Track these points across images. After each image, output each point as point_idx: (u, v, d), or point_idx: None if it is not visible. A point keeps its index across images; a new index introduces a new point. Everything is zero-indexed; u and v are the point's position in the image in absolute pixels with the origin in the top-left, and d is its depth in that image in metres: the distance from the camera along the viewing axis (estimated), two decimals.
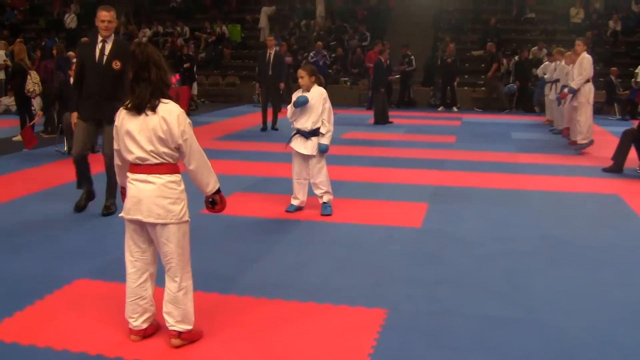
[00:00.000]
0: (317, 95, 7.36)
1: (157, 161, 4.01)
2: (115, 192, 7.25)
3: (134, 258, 4.26)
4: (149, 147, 3.98)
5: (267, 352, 4.17)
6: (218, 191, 4.29)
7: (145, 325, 4.30)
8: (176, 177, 4.08)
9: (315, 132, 7.37)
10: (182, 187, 4.10)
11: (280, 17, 26.72)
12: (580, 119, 12.44)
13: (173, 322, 4.17)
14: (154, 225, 4.06)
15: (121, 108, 4.08)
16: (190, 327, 4.19)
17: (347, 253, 6.23)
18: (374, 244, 6.54)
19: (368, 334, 4.45)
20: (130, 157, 4.05)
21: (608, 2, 25.08)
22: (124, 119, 4.04)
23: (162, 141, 3.97)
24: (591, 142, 12.51)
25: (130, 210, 4.13)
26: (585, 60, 12.19)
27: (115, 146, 4.19)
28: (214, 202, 4.34)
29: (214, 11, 28.06)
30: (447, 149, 12.81)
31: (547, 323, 4.68)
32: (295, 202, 7.64)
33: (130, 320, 4.28)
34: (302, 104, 7.32)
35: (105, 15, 7.23)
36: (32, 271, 5.61)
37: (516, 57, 21.35)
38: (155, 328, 4.39)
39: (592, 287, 5.43)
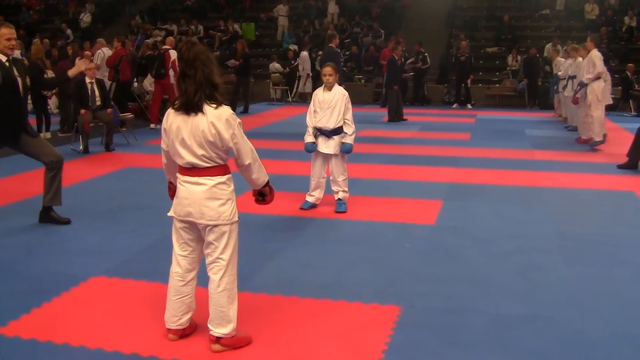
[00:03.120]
0: (340, 94, 7.35)
1: (208, 165, 3.99)
2: (55, 201, 7.10)
3: (183, 256, 4.23)
4: (200, 152, 3.95)
5: (282, 349, 4.19)
6: (267, 183, 4.30)
7: (186, 325, 4.29)
8: (227, 178, 4.06)
9: (336, 131, 7.37)
10: (232, 187, 4.08)
11: (294, 15, 26.75)
12: (593, 116, 12.40)
13: (213, 325, 4.11)
14: (204, 226, 4.05)
15: (169, 109, 4.06)
16: (229, 332, 4.09)
17: (361, 250, 6.24)
18: (389, 241, 6.54)
19: (382, 331, 4.46)
20: (181, 162, 4.04)
21: None
22: (172, 122, 4.00)
23: (213, 145, 3.94)
24: (603, 141, 12.43)
25: (181, 211, 4.11)
26: (595, 57, 12.14)
27: (164, 146, 4.18)
28: (263, 194, 4.35)
29: (228, 10, 28.12)
30: (461, 146, 12.79)
31: (562, 320, 4.68)
32: (310, 199, 7.65)
33: (173, 319, 4.25)
34: (310, 151, 7.54)
35: (12, 34, 6.64)
36: (48, 269, 5.66)
37: (524, 55, 21.27)
38: (193, 328, 4.37)
39: (608, 285, 5.41)
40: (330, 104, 7.32)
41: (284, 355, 4.11)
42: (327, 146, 7.41)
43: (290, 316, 4.70)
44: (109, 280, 5.40)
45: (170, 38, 16.89)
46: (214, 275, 4.09)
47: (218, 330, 4.09)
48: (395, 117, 16.95)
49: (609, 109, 14.24)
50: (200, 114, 3.91)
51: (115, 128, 12.22)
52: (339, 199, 7.60)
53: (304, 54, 19.75)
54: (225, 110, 3.95)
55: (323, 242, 6.54)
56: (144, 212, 7.57)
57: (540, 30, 24.66)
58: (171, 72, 14.55)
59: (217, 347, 4.10)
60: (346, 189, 7.60)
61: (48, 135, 13.41)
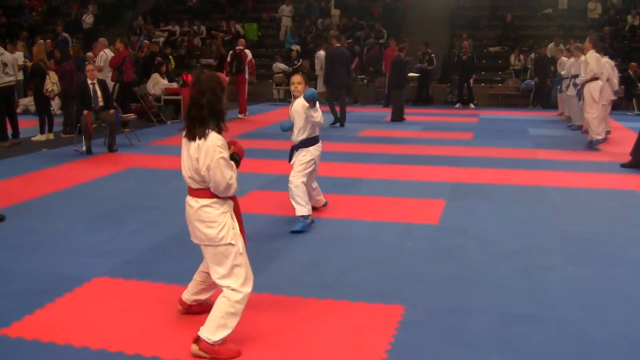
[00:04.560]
0: (299, 105, 6.95)
1: (196, 186, 4.14)
2: None
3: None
4: (188, 173, 4.14)
5: (285, 349, 4.19)
6: (237, 161, 4.28)
7: (193, 303, 4.65)
8: (212, 201, 4.12)
9: (303, 143, 7.01)
10: (220, 210, 4.13)
11: (296, 15, 26.75)
12: (586, 117, 12.40)
13: (204, 324, 4.13)
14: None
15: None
16: (211, 339, 4.07)
17: (364, 250, 6.24)
18: (392, 241, 6.54)
19: (385, 330, 4.46)
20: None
21: None
22: (183, 142, 4.18)
23: (195, 169, 4.08)
24: (605, 139, 12.40)
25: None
26: (590, 58, 12.12)
27: None
28: (237, 159, 4.32)
29: (230, 10, 28.13)
30: (464, 145, 12.78)
31: (565, 320, 4.68)
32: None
33: (186, 292, 4.67)
34: (289, 129, 7.11)
35: None
36: (52, 269, 5.67)
37: (533, 54, 21.22)
38: (202, 308, 4.61)
39: (610, 284, 5.41)
40: (294, 115, 7.02)
41: (287, 355, 4.11)
42: (295, 157, 7.09)
43: (293, 316, 4.71)
44: (112, 281, 5.41)
45: (242, 40, 18.94)
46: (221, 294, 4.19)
47: (204, 330, 4.10)
48: (398, 117, 16.92)
49: (613, 107, 14.18)
50: (197, 139, 4.06)
51: (118, 129, 12.22)
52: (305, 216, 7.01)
53: (321, 53, 19.82)
54: (213, 140, 4.03)
55: (326, 242, 6.54)
56: (147, 213, 7.58)
57: (543, 29, 24.61)
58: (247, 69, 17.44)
59: (194, 347, 4.12)
60: (297, 206, 6.97)
61: (51, 136, 13.43)
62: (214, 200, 4.13)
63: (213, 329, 4.07)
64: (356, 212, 7.57)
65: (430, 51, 21.26)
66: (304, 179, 6.92)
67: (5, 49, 13.57)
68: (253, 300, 4.94)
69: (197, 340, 4.11)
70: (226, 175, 4.03)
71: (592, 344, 4.30)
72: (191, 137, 4.08)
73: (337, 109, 15.83)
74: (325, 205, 7.59)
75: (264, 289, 5.18)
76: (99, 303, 4.94)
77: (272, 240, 6.56)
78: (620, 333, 4.47)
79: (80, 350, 4.15)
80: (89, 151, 11.52)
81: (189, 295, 4.66)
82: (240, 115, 17.56)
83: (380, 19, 25.72)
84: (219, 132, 4.09)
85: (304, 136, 6.92)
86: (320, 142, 7.10)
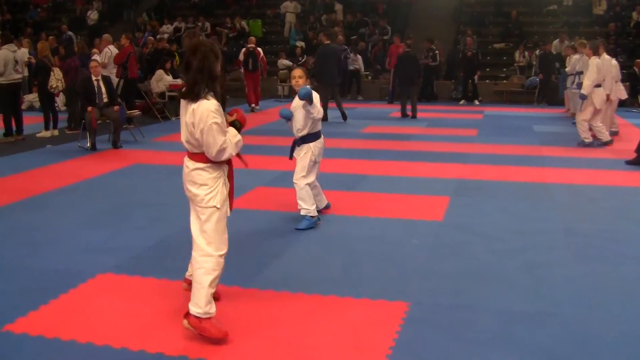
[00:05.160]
0: (298, 100, 6.84)
1: (193, 150, 4.33)
2: None
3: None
4: (185, 137, 4.34)
5: (289, 345, 4.19)
6: (237, 128, 4.48)
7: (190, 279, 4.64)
8: (206, 165, 4.31)
9: (304, 139, 6.91)
10: (213, 175, 4.32)
11: (300, 11, 26.74)
12: (577, 116, 12.36)
13: (191, 300, 4.30)
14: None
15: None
16: (198, 312, 4.23)
17: (368, 247, 6.24)
18: (396, 238, 6.54)
19: (389, 327, 4.46)
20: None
21: None
22: (182, 107, 4.39)
23: (191, 133, 4.26)
24: (610, 141, 12.33)
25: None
26: (591, 65, 12.05)
27: None
28: (237, 126, 4.50)
29: (234, 7, 28.12)
30: (469, 142, 12.76)
31: (569, 317, 4.67)
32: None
33: (189, 270, 4.87)
34: (287, 117, 6.96)
35: None
36: (56, 265, 5.68)
37: (538, 51, 21.18)
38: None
39: (615, 281, 5.39)
40: (295, 111, 6.93)
41: (291, 352, 4.11)
42: (296, 152, 7.03)
43: (297, 312, 4.71)
44: (116, 277, 5.41)
45: (252, 38, 19.58)
46: (194, 252, 4.37)
47: (191, 307, 4.27)
48: (405, 113, 16.87)
49: (620, 104, 14.13)
50: (193, 103, 4.22)
51: (122, 125, 12.23)
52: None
53: None
54: (207, 105, 4.19)
55: (330, 238, 6.53)
56: (152, 209, 7.58)
57: (548, 26, 24.56)
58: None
59: (185, 322, 4.31)
60: (301, 204, 6.93)
61: (56, 132, 13.45)
62: (209, 165, 4.31)
63: (200, 304, 4.23)
64: (360, 209, 7.57)
65: (434, 47, 21.21)
66: (309, 180, 6.87)
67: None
68: (257, 296, 4.97)
69: (187, 315, 4.29)
70: (218, 140, 4.19)
71: (597, 342, 4.29)
72: (187, 100, 4.26)
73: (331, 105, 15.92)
74: (327, 207, 7.43)
75: (268, 285, 5.19)
76: (103, 299, 4.94)
77: (276, 236, 6.55)
78: (625, 330, 4.46)
79: (85, 346, 4.16)
80: (93, 147, 11.53)
81: (190, 271, 4.81)
82: (253, 106, 18.55)
83: (385, 15, 25.69)
84: (215, 96, 4.25)
85: (304, 132, 6.87)
86: (322, 137, 7.04)
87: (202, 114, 4.16)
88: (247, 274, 5.44)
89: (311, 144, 6.88)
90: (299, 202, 6.85)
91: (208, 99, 4.20)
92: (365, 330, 4.40)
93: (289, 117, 6.95)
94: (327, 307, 4.82)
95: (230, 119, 4.51)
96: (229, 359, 4.01)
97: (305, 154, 6.87)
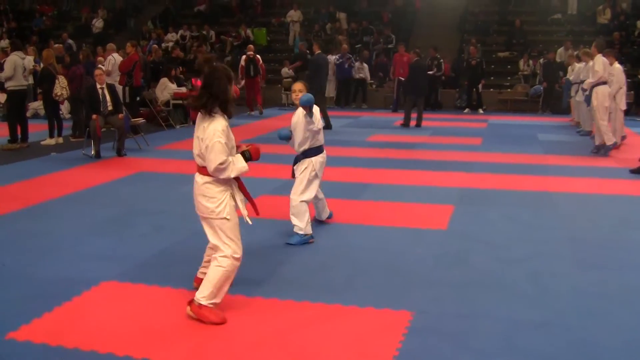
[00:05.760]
0: (301, 115, 6.77)
1: (202, 164, 4.68)
2: None
3: None
4: (196, 151, 4.71)
5: (293, 354, 4.18)
6: (246, 158, 4.76)
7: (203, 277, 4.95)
8: (213, 179, 4.67)
9: (305, 154, 6.85)
10: (220, 188, 4.68)
11: (305, 20, 26.78)
12: (597, 123, 12.37)
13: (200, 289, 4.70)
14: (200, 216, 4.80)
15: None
16: (202, 302, 4.63)
17: (372, 255, 6.23)
18: (400, 247, 6.53)
19: (393, 336, 4.45)
20: None
21: (635, 2, 24.80)
22: (197, 123, 4.74)
23: (201, 148, 4.63)
24: (614, 144, 12.34)
25: None
26: (597, 62, 12.09)
27: None
28: (247, 156, 4.78)
29: (239, 15, 28.19)
30: (473, 151, 12.76)
31: (574, 326, 4.65)
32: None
33: (198, 271, 5.26)
34: (286, 137, 6.95)
35: None
36: (60, 273, 5.68)
37: (542, 59, 21.16)
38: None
39: (620, 290, 5.38)
40: (295, 127, 6.88)
41: None
42: (297, 167, 6.94)
43: (302, 321, 4.70)
44: (120, 285, 5.41)
45: (251, 45, 20.75)
46: (215, 254, 4.76)
47: (198, 294, 4.68)
48: (409, 122, 16.83)
49: (624, 113, 14.12)
50: (206, 121, 4.61)
51: (127, 133, 12.24)
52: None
53: (331, 57, 20.15)
54: (216, 125, 4.57)
55: (334, 247, 6.53)
56: (156, 217, 7.59)
57: (552, 34, 24.56)
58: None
59: (188, 309, 4.73)
60: (294, 222, 6.78)
61: (60, 140, 13.47)
62: (216, 178, 4.65)
63: (206, 293, 4.63)
64: (365, 218, 7.56)
65: (439, 56, 21.22)
66: (305, 197, 6.76)
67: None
68: (261, 304, 4.97)
69: (191, 302, 4.70)
70: (218, 158, 4.52)
71: (602, 351, 4.28)
72: (200, 120, 4.65)
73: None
74: (329, 217, 7.41)
75: (272, 294, 5.19)
76: (107, 307, 4.94)
77: (280, 245, 6.55)
78: (630, 339, 4.44)
79: (88, 354, 4.15)
80: (97, 155, 11.55)
81: (201, 271, 5.20)
82: (253, 113, 19.60)
83: (390, 24, 25.72)
84: (226, 116, 4.67)
85: (306, 146, 6.80)
86: (324, 152, 6.94)
87: (210, 132, 4.53)
88: (252, 282, 5.44)
89: (312, 159, 6.80)
90: (292, 218, 6.74)
91: (219, 119, 4.59)
92: (369, 339, 4.39)
93: (287, 137, 6.93)
94: (331, 315, 4.81)
95: (243, 148, 4.82)
96: None
97: (305, 169, 6.79)
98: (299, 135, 6.81)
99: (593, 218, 7.72)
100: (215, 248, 4.74)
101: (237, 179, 4.79)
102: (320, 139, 6.89)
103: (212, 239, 4.74)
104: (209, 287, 4.63)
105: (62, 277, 5.58)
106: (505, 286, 5.43)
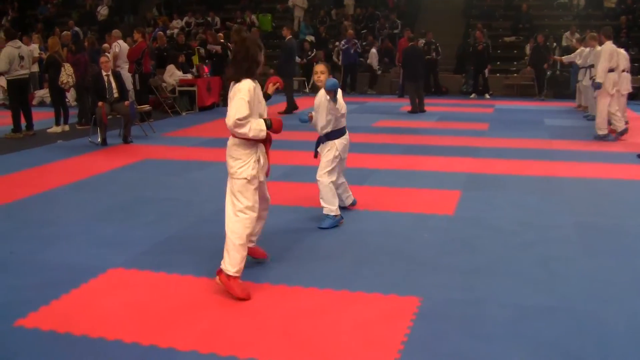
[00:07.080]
0: (323, 96, 6.74)
1: None
2: None
3: None
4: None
5: (301, 339, 4.18)
6: (267, 125, 4.98)
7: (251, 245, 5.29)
8: (240, 141, 4.93)
9: (328, 136, 6.85)
10: (247, 150, 4.94)
11: (310, 6, 26.69)
12: (597, 108, 12.30)
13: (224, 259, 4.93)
14: None
15: None
16: (229, 273, 4.83)
17: (379, 241, 6.22)
18: (407, 232, 6.52)
19: (401, 321, 4.44)
20: None
21: None
22: (230, 87, 5.00)
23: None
24: (625, 131, 12.28)
25: None
26: (603, 51, 12.00)
27: None
28: (267, 123, 4.99)
29: (244, 1, 28.10)
30: (479, 136, 12.72)
31: (583, 311, 4.64)
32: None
33: None
34: (305, 120, 6.98)
35: None
36: (67, 260, 5.68)
37: (529, 42, 21.06)
38: (255, 251, 5.48)
39: (628, 275, 5.36)
40: (317, 108, 6.85)
41: (303, 346, 4.10)
42: (320, 149, 6.96)
43: (309, 307, 4.70)
44: (127, 272, 5.42)
45: (255, 30, 20.84)
46: (226, 219, 5.00)
47: (223, 263, 4.90)
48: (416, 108, 16.78)
49: (630, 97, 14.03)
50: (237, 83, 4.88)
51: (133, 120, 12.23)
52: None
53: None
54: (244, 84, 4.83)
55: (341, 233, 6.52)
56: (162, 204, 7.59)
57: (559, 19, 24.44)
58: None
59: (217, 279, 4.97)
60: (323, 203, 6.83)
61: (67, 128, 13.48)
62: (242, 141, 4.92)
63: (227, 261, 4.86)
64: (371, 203, 7.55)
65: (434, 40, 21.07)
66: (332, 178, 6.79)
67: (21, 41, 13.63)
68: (269, 291, 4.97)
69: (219, 272, 4.91)
70: (238, 112, 4.74)
71: (611, 336, 4.26)
72: (233, 84, 4.91)
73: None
74: (353, 204, 7.37)
75: (280, 280, 5.18)
76: (114, 294, 4.95)
77: (287, 231, 6.54)
78: (638, 324, 4.43)
79: (97, 341, 4.16)
80: (104, 142, 11.56)
81: (251, 239, 5.33)
82: None
83: (396, 9, 25.62)
84: (252, 79, 4.88)
85: (328, 129, 6.79)
86: (347, 133, 6.95)
87: (237, 89, 4.82)
88: (259, 268, 5.44)
89: (336, 141, 6.81)
90: (321, 200, 6.76)
91: (246, 80, 4.84)
92: (377, 325, 4.39)
93: (305, 120, 6.95)
94: (339, 301, 4.80)
95: (270, 91, 5.29)
96: (239, 353, 4.00)
97: (328, 151, 6.81)
98: (322, 118, 6.79)
99: (600, 203, 7.69)
100: (226, 212, 4.98)
101: (265, 144, 5.08)
102: (343, 121, 6.90)
103: (227, 201, 4.99)
104: (232, 257, 4.84)
105: (70, 264, 5.59)
106: (512, 272, 5.42)
